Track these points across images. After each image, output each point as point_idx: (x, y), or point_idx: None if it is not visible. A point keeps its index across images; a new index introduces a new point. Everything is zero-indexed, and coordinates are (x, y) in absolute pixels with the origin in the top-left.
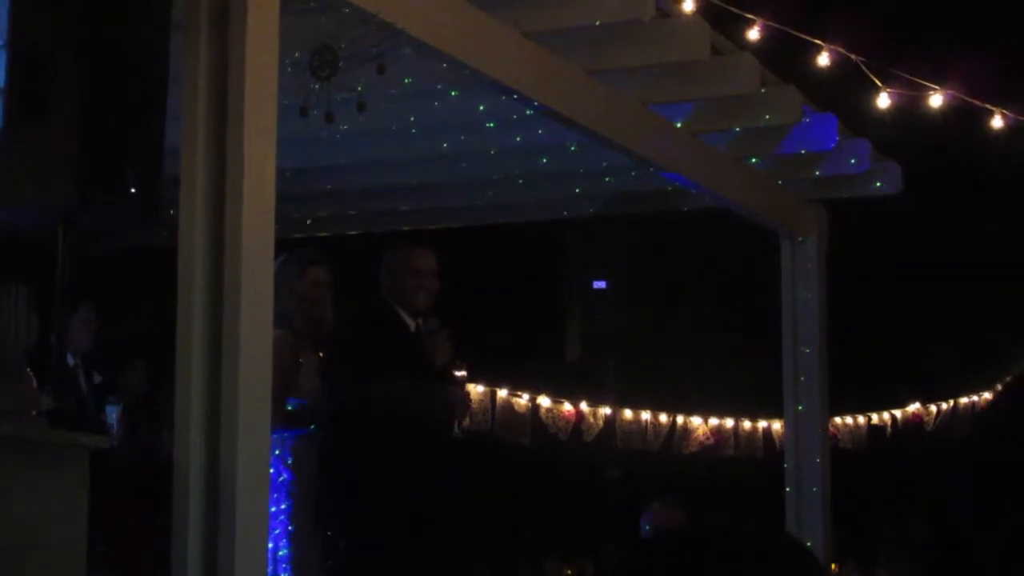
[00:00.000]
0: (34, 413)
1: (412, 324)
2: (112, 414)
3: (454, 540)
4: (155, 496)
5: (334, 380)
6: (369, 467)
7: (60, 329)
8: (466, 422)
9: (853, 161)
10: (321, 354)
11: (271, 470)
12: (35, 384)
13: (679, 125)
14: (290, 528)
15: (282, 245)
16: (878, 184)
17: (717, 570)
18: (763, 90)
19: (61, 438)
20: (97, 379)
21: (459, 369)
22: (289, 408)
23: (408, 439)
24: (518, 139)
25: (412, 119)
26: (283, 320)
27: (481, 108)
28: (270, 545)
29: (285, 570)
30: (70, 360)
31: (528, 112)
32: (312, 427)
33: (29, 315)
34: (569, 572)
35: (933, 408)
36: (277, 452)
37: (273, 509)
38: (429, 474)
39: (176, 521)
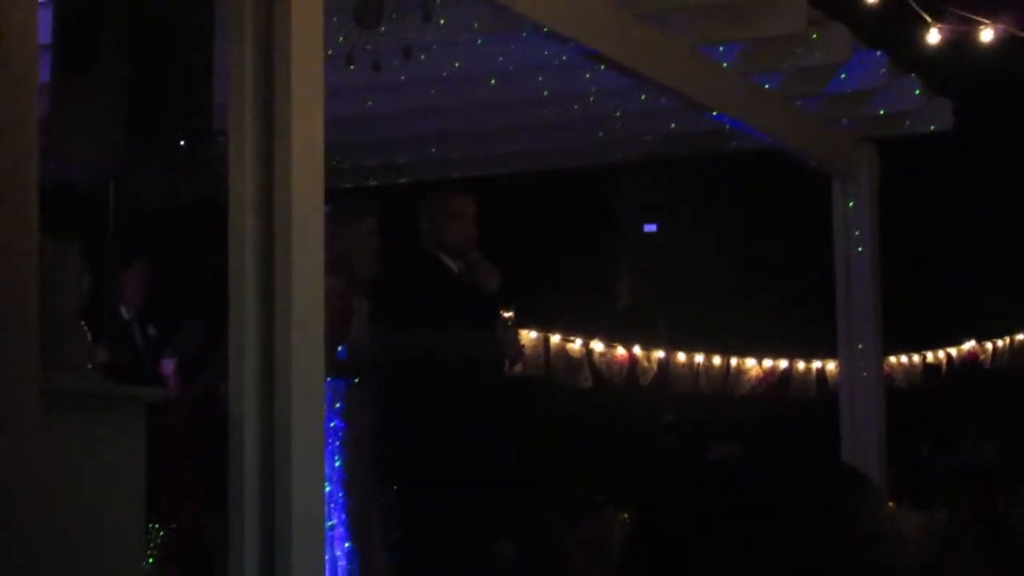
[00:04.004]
0: (89, 366)
1: (455, 267)
2: (168, 367)
3: (508, 486)
4: (211, 447)
5: (382, 330)
6: (422, 413)
7: (113, 284)
8: (518, 367)
9: (905, 98)
10: (367, 303)
11: None
12: (90, 338)
13: (727, 66)
14: (344, 476)
15: (331, 195)
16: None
17: (774, 492)
18: (811, 29)
19: (117, 390)
20: (152, 332)
21: (506, 311)
22: (341, 357)
23: (459, 384)
24: (567, 84)
25: (458, 66)
26: (338, 268)
27: (527, 54)
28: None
29: (339, 516)
30: (124, 314)
31: (564, 56)
32: (359, 378)
33: (82, 271)
34: (625, 516)
35: (989, 345)
36: (330, 402)
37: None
38: (482, 419)
39: (233, 471)
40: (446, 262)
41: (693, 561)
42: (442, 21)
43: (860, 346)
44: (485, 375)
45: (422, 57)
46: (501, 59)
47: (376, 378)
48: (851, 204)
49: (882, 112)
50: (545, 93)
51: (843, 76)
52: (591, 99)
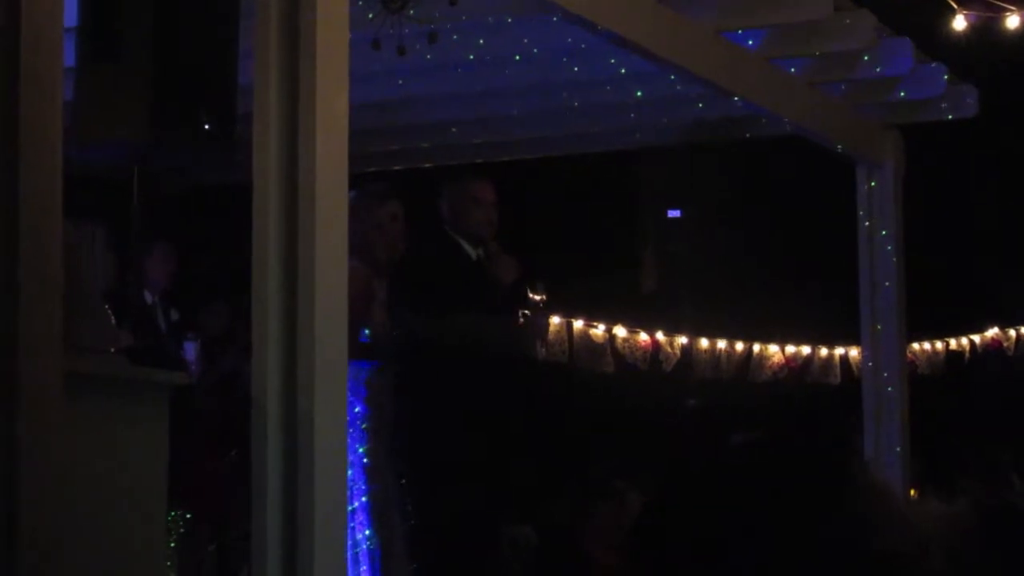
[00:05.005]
0: (113, 350)
1: (474, 254)
2: (191, 350)
3: (529, 471)
4: (235, 431)
5: (399, 314)
6: (440, 400)
7: (137, 267)
8: (542, 352)
9: (930, 84)
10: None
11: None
12: (113, 322)
13: (752, 49)
14: (365, 461)
15: (355, 179)
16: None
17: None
18: (836, 15)
19: (140, 375)
20: (175, 316)
21: (536, 294)
22: (364, 341)
23: (477, 370)
24: (591, 69)
25: (483, 51)
26: (360, 252)
27: (552, 40)
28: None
29: (360, 501)
30: (148, 298)
31: (593, 35)
32: (382, 361)
33: (106, 254)
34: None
35: (1012, 333)
36: (352, 386)
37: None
38: (503, 403)
39: (256, 456)
40: (464, 247)
41: (698, 544)
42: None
43: (883, 332)
44: (505, 360)
45: (455, 37)
46: (526, 42)
47: (398, 362)
48: (876, 190)
49: (907, 98)
50: (574, 72)
51: (868, 61)
52: (616, 84)
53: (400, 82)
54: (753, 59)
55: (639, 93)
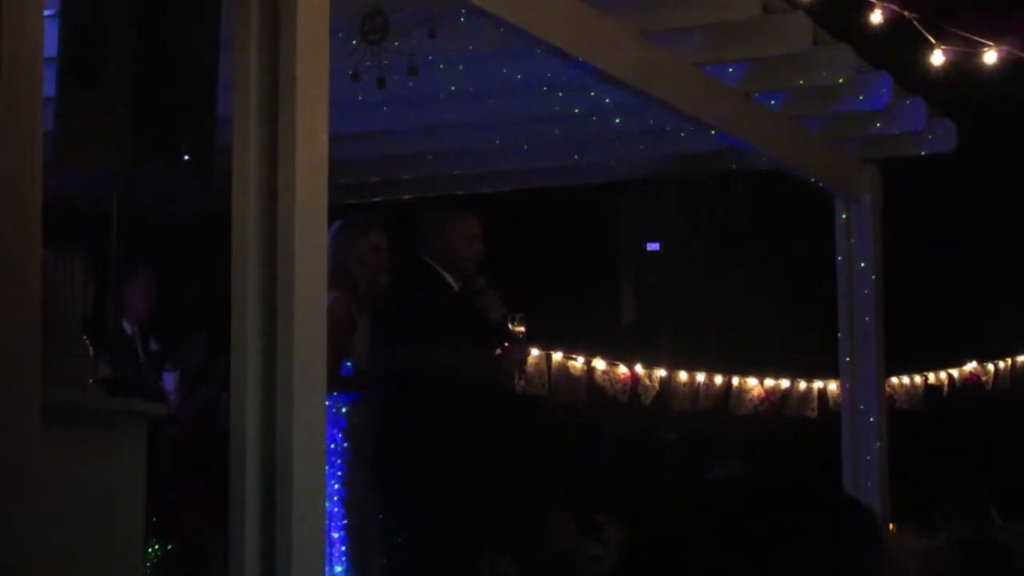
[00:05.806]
0: (91, 381)
1: (456, 286)
2: (169, 381)
3: (511, 503)
4: (213, 462)
5: (381, 344)
6: (421, 432)
7: (116, 297)
8: (520, 383)
9: (908, 119)
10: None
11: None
12: (92, 352)
13: (731, 84)
14: (344, 495)
15: (334, 211)
16: (929, 136)
17: (776, 515)
18: (815, 49)
19: (118, 405)
20: (154, 347)
21: (515, 326)
22: (345, 372)
23: (458, 402)
24: (572, 101)
25: (463, 83)
26: (342, 283)
27: (532, 72)
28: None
29: (340, 535)
30: (127, 328)
31: (570, 74)
32: (363, 393)
33: (85, 283)
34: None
35: (991, 367)
36: (333, 417)
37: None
38: (480, 436)
39: (233, 488)
40: (447, 278)
41: None
42: (464, 20)
43: (862, 365)
44: (487, 392)
45: (441, 66)
46: (505, 72)
47: (379, 394)
48: (854, 223)
49: (886, 132)
50: (554, 104)
51: (847, 95)
52: (597, 116)
53: (384, 108)
54: (732, 93)
55: (617, 120)
